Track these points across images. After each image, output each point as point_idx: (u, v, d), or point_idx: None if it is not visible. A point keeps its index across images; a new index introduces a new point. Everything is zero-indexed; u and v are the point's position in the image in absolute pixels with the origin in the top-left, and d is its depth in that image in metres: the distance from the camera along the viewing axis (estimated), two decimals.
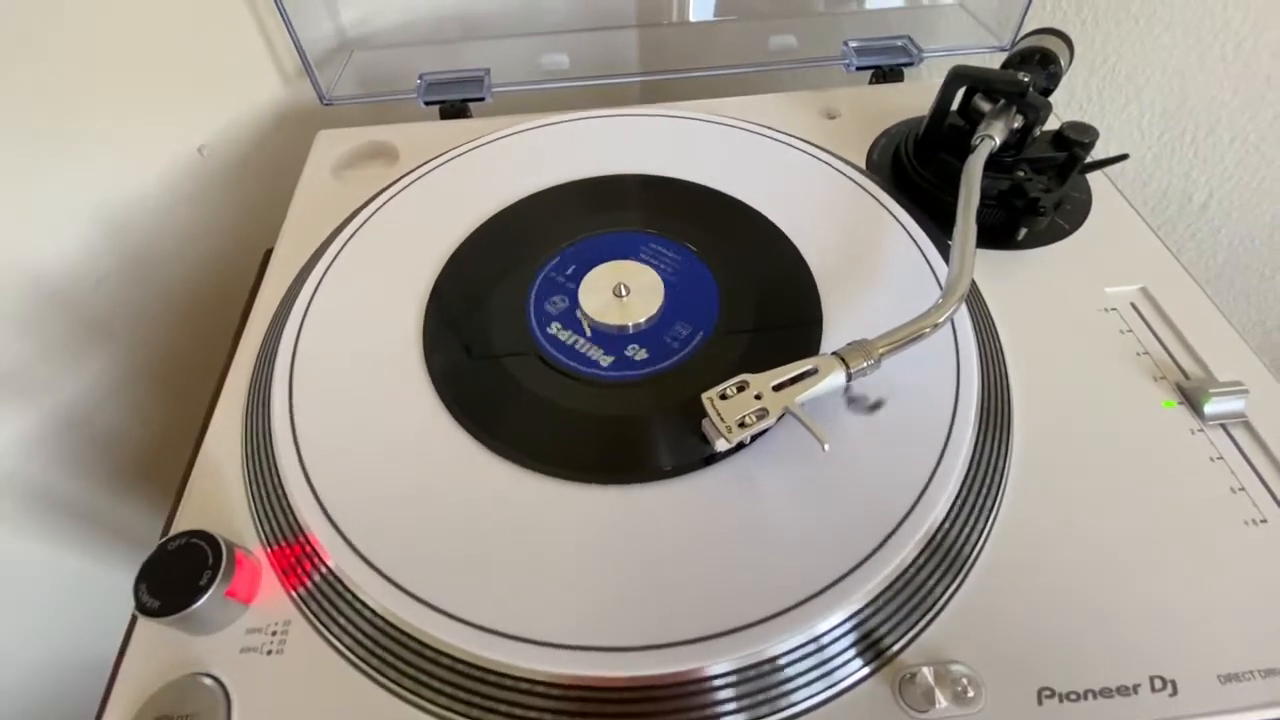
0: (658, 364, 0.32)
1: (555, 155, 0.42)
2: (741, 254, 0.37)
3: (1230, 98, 0.58)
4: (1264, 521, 0.28)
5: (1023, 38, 0.41)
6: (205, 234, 0.54)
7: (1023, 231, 0.37)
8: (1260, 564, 0.27)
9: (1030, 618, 0.25)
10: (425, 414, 0.30)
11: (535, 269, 0.36)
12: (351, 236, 0.37)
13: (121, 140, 0.46)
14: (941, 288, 0.31)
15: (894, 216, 0.38)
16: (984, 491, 0.28)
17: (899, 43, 0.51)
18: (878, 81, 0.51)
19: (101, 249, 0.48)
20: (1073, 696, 0.24)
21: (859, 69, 0.50)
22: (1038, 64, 0.39)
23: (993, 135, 0.36)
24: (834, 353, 0.29)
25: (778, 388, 0.28)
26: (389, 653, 0.25)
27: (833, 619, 0.25)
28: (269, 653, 0.25)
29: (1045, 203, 0.35)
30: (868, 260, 0.36)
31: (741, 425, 0.27)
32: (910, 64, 0.50)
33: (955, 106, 0.39)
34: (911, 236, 0.36)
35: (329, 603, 0.26)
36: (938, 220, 0.38)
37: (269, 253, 0.41)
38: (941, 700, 0.24)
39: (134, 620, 0.27)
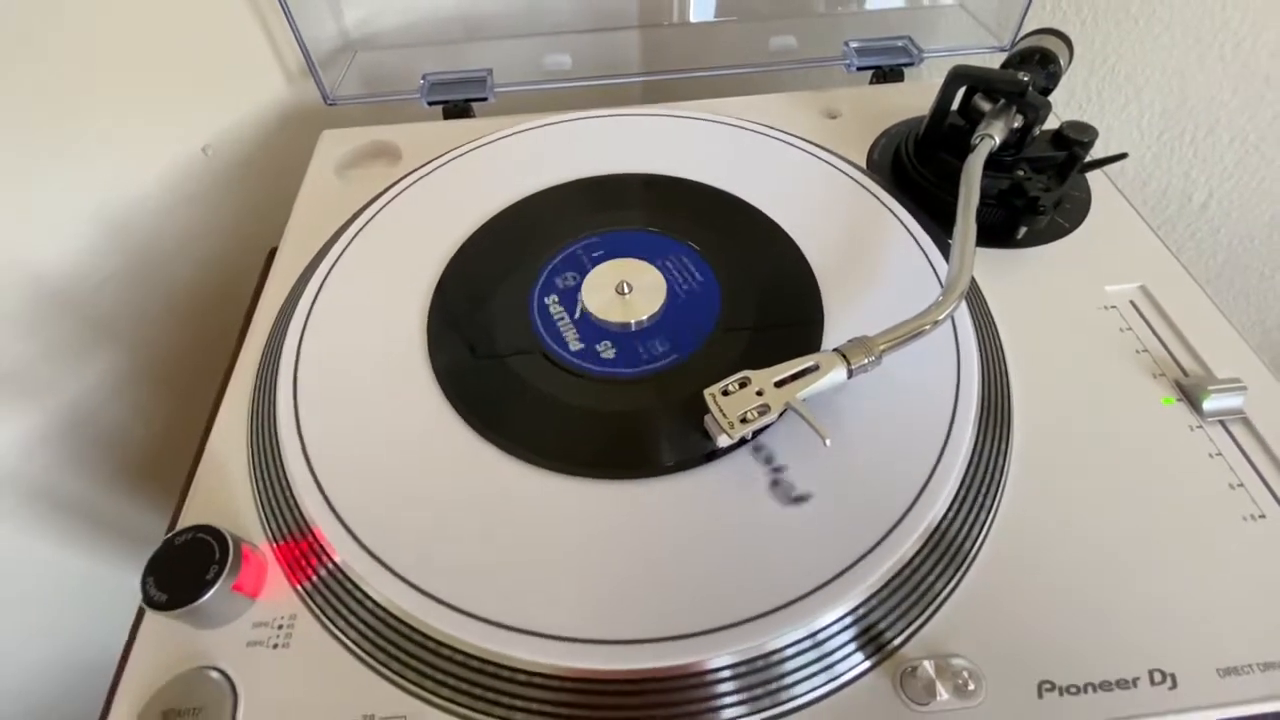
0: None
1: (557, 155, 0.42)
2: (743, 252, 0.37)
3: (1229, 97, 0.59)
4: (1262, 517, 0.28)
5: (1022, 38, 0.41)
6: (208, 234, 0.54)
7: (1022, 230, 0.37)
8: (1258, 559, 0.27)
9: (1030, 612, 0.26)
10: (429, 410, 0.31)
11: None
12: (355, 235, 0.38)
13: (125, 140, 0.46)
14: (942, 286, 0.31)
15: (894, 215, 0.38)
16: (984, 487, 0.28)
17: (899, 43, 0.51)
18: (878, 81, 0.51)
19: (105, 249, 0.48)
20: (1073, 690, 0.24)
21: (859, 69, 0.51)
22: (1037, 64, 0.39)
23: (993, 135, 0.36)
24: (835, 349, 0.29)
25: (779, 384, 0.28)
26: (394, 646, 0.25)
27: (834, 613, 0.25)
28: (275, 646, 0.25)
29: (1045, 202, 0.35)
30: (868, 258, 0.36)
31: (743, 421, 0.27)
32: (910, 64, 0.51)
33: (955, 106, 0.39)
34: (912, 235, 0.37)
35: (334, 597, 0.26)
36: (938, 219, 0.38)
37: (273, 252, 0.41)
38: (942, 693, 0.24)
39: (141, 614, 0.27)
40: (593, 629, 0.24)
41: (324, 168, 0.44)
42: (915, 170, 0.40)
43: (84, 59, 0.43)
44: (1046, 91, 0.39)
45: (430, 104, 0.49)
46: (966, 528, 0.27)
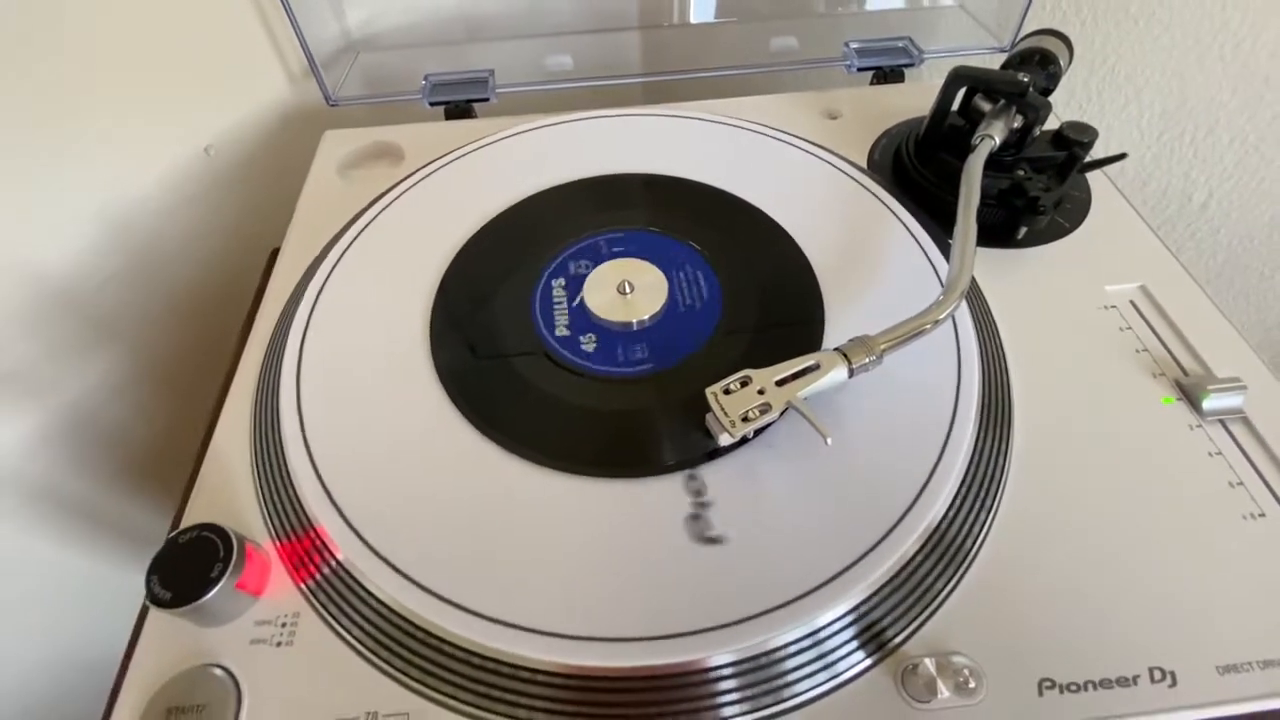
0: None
1: (559, 155, 0.42)
2: (744, 252, 0.37)
3: (1229, 98, 0.59)
4: (1262, 515, 0.28)
5: (1022, 38, 0.42)
6: (210, 234, 0.54)
7: (1023, 230, 0.37)
8: (1258, 557, 0.27)
9: (1031, 610, 0.26)
10: (431, 409, 0.31)
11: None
12: (358, 236, 0.38)
13: (127, 140, 0.47)
14: (942, 285, 0.31)
15: (895, 215, 0.38)
16: (984, 486, 0.28)
17: (899, 44, 0.51)
18: (878, 82, 0.51)
19: (107, 249, 0.48)
20: (1073, 687, 0.24)
21: (860, 70, 0.51)
22: (1037, 64, 0.39)
23: (993, 135, 0.36)
24: (836, 348, 0.29)
25: (781, 383, 0.28)
26: (396, 643, 0.25)
27: (835, 611, 0.25)
28: (278, 644, 0.25)
29: (1045, 202, 0.35)
30: (869, 258, 0.36)
31: (745, 420, 0.27)
32: (911, 65, 0.51)
33: (956, 107, 0.39)
34: (912, 235, 0.37)
35: (337, 595, 0.26)
36: (938, 219, 0.38)
37: (275, 252, 0.41)
38: (943, 690, 0.24)
39: (145, 611, 0.27)
40: (596, 626, 0.24)
41: (326, 168, 0.45)
42: (916, 170, 0.40)
43: (86, 59, 0.43)
44: (1046, 92, 0.39)
45: (432, 104, 0.49)
46: (967, 526, 0.27)
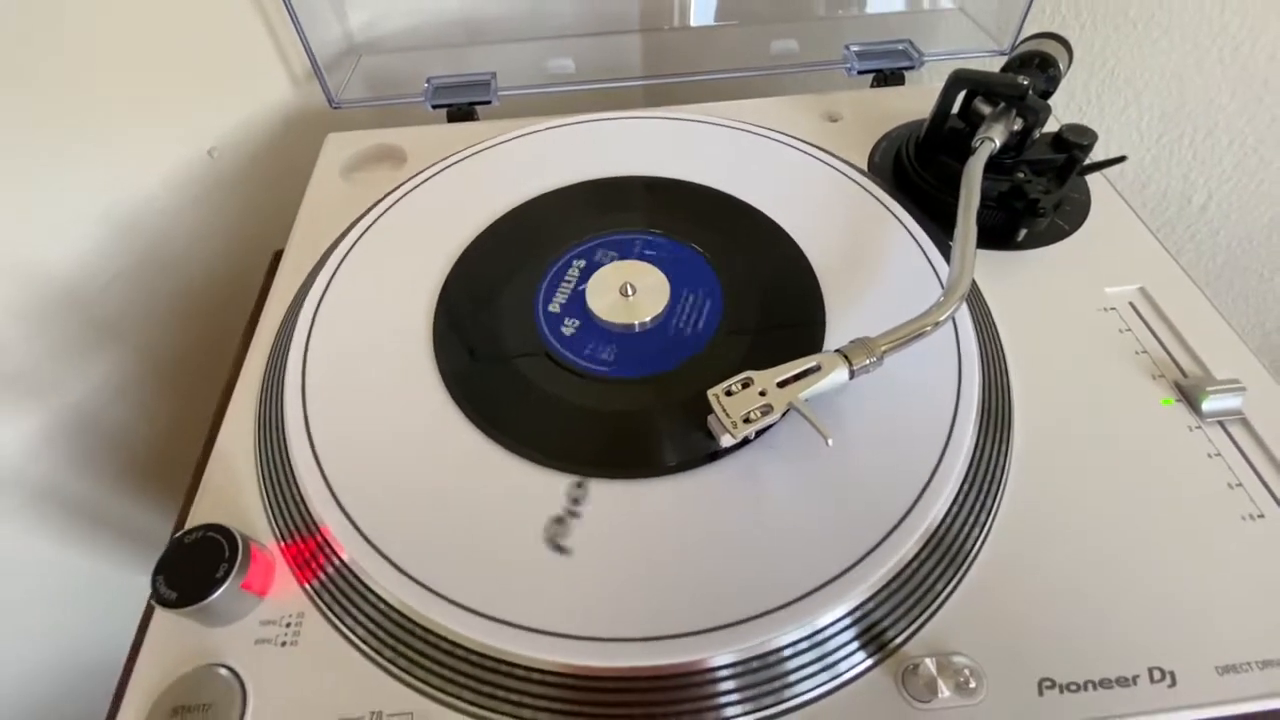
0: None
1: (561, 158, 0.43)
2: (746, 254, 0.37)
3: (1228, 101, 0.59)
4: (1261, 516, 0.28)
5: (1022, 42, 0.42)
6: (214, 235, 0.54)
7: (1022, 232, 0.37)
8: (1257, 558, 0.27)
9: (1031, 611, 0.26)
10: (435, 410, 0.31)
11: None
12: (361, 237, 0.38)
13: (131, 142, 0.47)
14: (943, 287, 0.31)
15: (895, 217, 0.38)
16: (985, 487, 0.28)
17: (900, 47, 0.52)
18: (879, 85, 0.52)
19: (111, 250, 0.48)
20: (1073, 687, 0.24)
21: (860, 73, 0.51)
22: (1037, 67, 0.40)
23: (993, 137, 0.36)
24: (837, 350, 0.29)
25: (782, 384, 0.28)
26: (400, 643, 0.25)
27: (835, 612, 0.25)
28: (283, 644, 0.26)
29: (1045, 204, 0.35)
30: (870, 260, 0.36)
31: (746, 421, 0.27)
32: (911, 68, 0.51)
33: (956, 109, 0.39)
34: (913, 237, 0.37)
35: (342, 594, 0.26)
36: (939, 221, 0.38)
37: (278, 254, 0.41)
38: (944, 690, 0.24)
39: (150, 611, 0.27)
40: (598, 627, 0.24)
41: (329, 170, 0.45)
42: (916, 173, 0.41)
43: (89, 61, 0.43)
44: (1046, 95, 0.39)
45: (434, 107, 0.49)
46: (967, 527, 0.27)
